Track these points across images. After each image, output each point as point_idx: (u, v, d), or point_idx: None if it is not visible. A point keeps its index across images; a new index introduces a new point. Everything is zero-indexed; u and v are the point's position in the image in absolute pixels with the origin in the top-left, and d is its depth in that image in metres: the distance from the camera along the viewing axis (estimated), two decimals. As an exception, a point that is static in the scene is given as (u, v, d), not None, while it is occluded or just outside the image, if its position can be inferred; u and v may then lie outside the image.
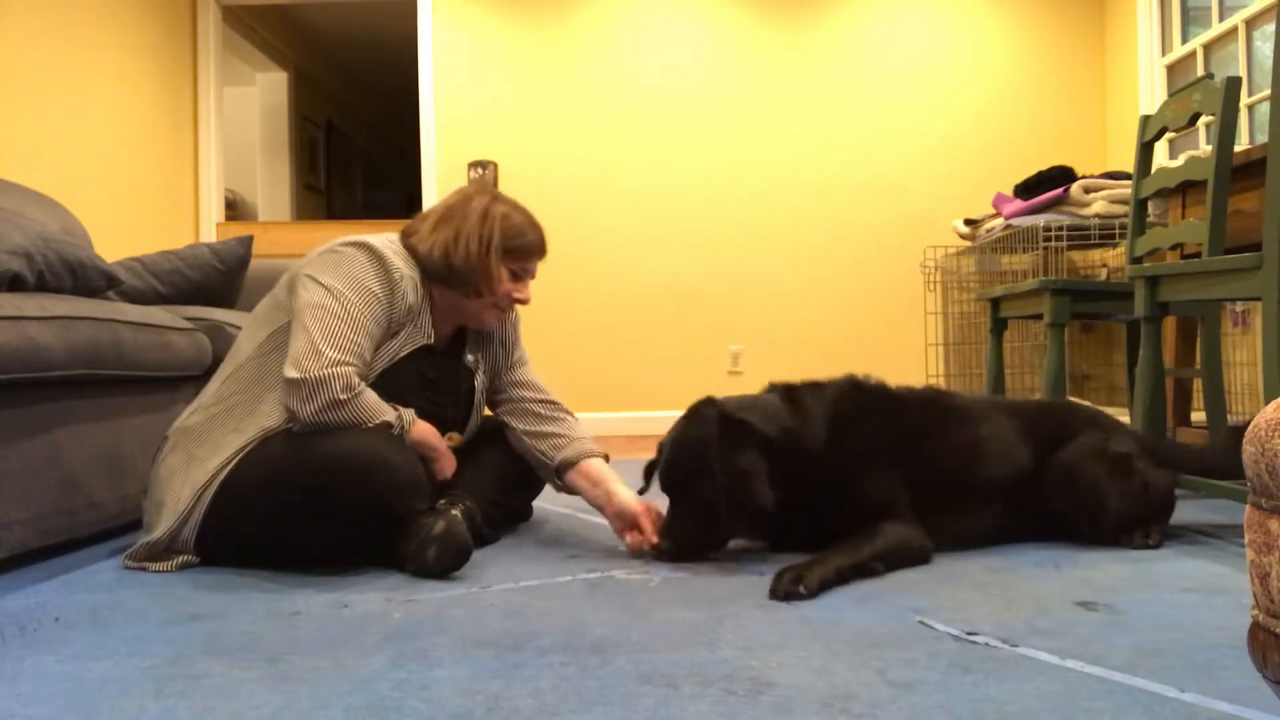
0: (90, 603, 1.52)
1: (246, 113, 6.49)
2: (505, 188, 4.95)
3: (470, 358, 2.02)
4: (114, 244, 3.58)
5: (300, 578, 1.66)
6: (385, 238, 1.89)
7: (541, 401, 2.06)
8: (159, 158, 4.62)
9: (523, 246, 1.91)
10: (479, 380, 2.03)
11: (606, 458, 2.01)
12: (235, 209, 6.27)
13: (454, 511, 1.71)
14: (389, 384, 1.81)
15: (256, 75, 6.46)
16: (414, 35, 4.99)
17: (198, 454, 1.77)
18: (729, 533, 1.80)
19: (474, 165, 4.87)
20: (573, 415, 2.08)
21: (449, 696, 1.06)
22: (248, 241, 2.83)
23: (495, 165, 4.89)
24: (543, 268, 2.03)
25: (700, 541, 1.78)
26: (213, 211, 4.96)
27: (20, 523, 1.73)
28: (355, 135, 8.12)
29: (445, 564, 1.64)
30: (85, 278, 2.05)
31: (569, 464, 1.97)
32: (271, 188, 6.53)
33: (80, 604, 1.52)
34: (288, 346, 1.74)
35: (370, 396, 1.73)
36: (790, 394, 1.84)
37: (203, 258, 2.70)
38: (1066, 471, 1.86)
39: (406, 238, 1.91)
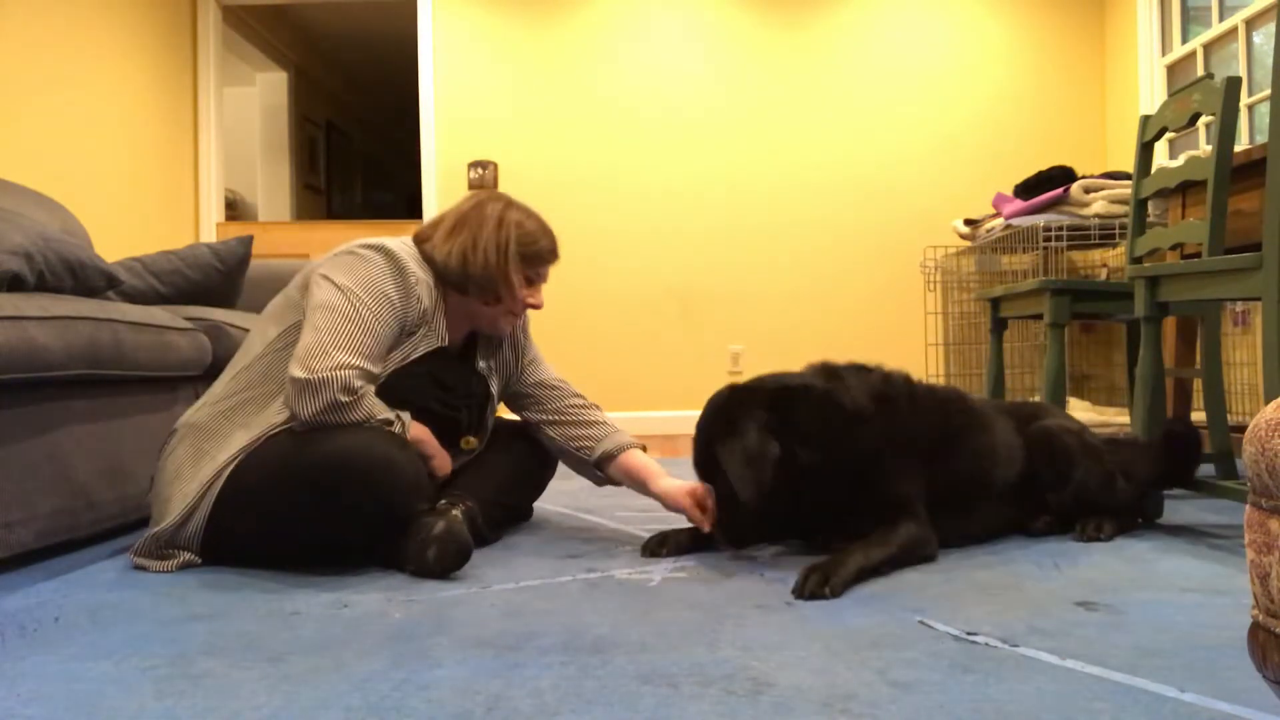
0: (90, 603, 1.52)
1: (246, 113, 6.49)
2: (505, 188, 4.95)
3: (483, 364, 2.03)
4: (114, 244, 3.58)
5: (300, 578, 1.66)
6: (400, 241, 1.89)
7: (571, 401, 2.12)
8: (159, 158, 4.62)
9: (537, 253, 1.93)
10: (493, 385, 2.05)
11: (644, 449, 2.08)
12: (235, 209, 6.26)
13: (454, 512, 1.71)
14: (401, 384, 1.82)
15: (256, 75, 6.46)
16: (414, 35, 4.99)
17: (206, 448, 1.77)
18: (748, 494, 1.67)
19: (474, 165, 4.87)
20: (600, 409, 2.14)
21: (449, 696, 1.06)
22: (248, 241, 2.83)
23: (495, 165, 4.88)
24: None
25: (741, 524, 1.76)
26: (213, 211, 4.96)
27: (20, 523, 1.73)
28: (355, 135, 8.12)
29: (445, 564, 1.64)
30: (85, 278, 2.05)
31: (609, 457, 2.05)
32: (271, 188, 6.53)
33: (80, 604, 1.52)
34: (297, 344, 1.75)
35: (370, 400, 1.73)
36: (828, 369, 1.88)
37: (203, 258, 2.70)
38: (1045, 434, 1.97)
39: (420, 243, 1.92)
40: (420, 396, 1.85)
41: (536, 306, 1.98)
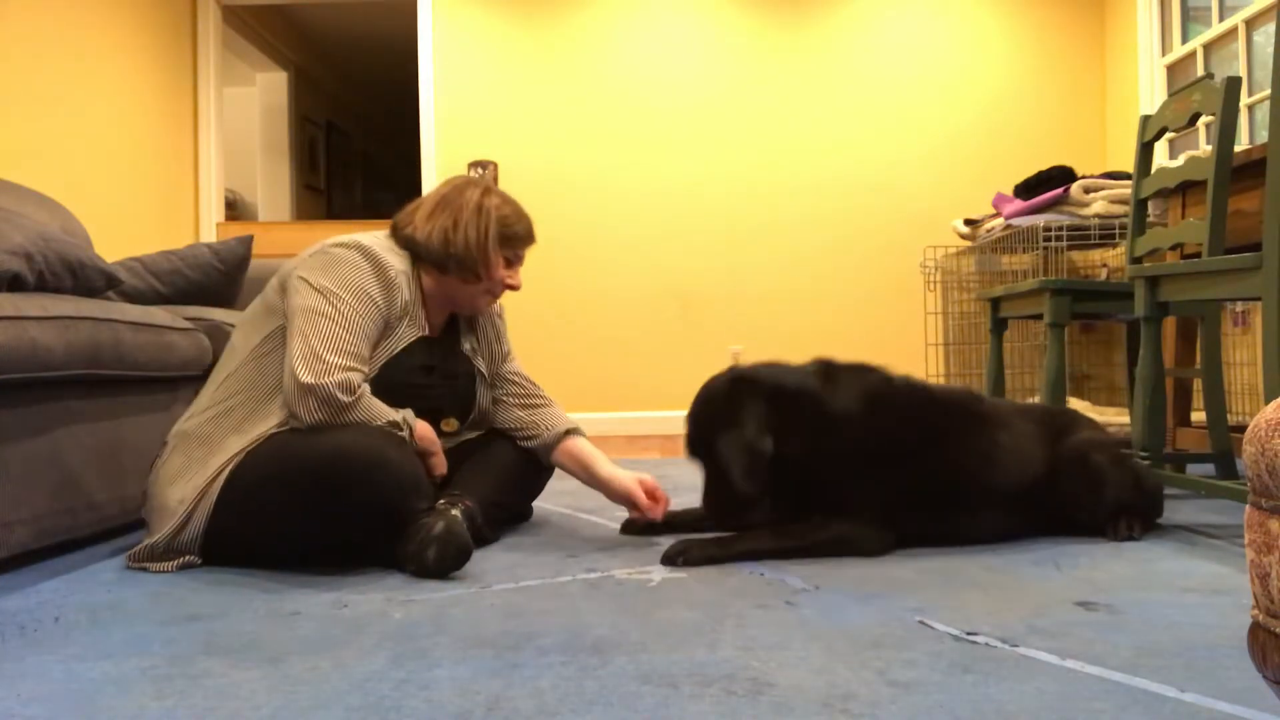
0: (90, 603, 1.52)
1: (246, 113, 6.49)
2: (505, 187, 4.93)
3: (467, 345, 2.07)
4: (114, 244, 3.58)
5: (300, 578, 1.66)
6: (373, 235, 1.93)
7: (529, 388, 2.18)
8: (159, 158, 4.62)
9: (515, 235, 2.00)
10: (479, 365, 2.08)
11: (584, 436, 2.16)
12: (235, 209, 6.26)
13: (454, 512, 1.71)
14: (391, 376, 1.85)
15: (256, 75, 6.46)
16: (414, 35, 4.99)
17: (197, 455, 1.77)
18: (747, 487, 1.79)
19: (474, 165, 4.87)
20: (554, 403, 2.20)
21: (449, 696, 1.06)
22: (248, 241, 2.83)
23: (495, 165, 4.89)
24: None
25: (735, 506, 1.84)
26: (213, 211, 4.96)
27: (20, 523, 1.73)
28: (355, 135, 8.12)
29: (445, 564, 1.64)
30: (85, 278, 2.05)
31: (554, 442, 2.10)
32: (271, 188, 6.53)
33: (80, 604, 1.52)
34: (284, 349, 1.77)
35: (370, 399, 1.76)
36: (828, 368, 1.92)
37: (203, 258, 2.70)
38: (1078, 457, 1.96)
39: (399, 228, 1.97)
40: (408, 384, 1.88)
41: (515, 287, 2.04)
